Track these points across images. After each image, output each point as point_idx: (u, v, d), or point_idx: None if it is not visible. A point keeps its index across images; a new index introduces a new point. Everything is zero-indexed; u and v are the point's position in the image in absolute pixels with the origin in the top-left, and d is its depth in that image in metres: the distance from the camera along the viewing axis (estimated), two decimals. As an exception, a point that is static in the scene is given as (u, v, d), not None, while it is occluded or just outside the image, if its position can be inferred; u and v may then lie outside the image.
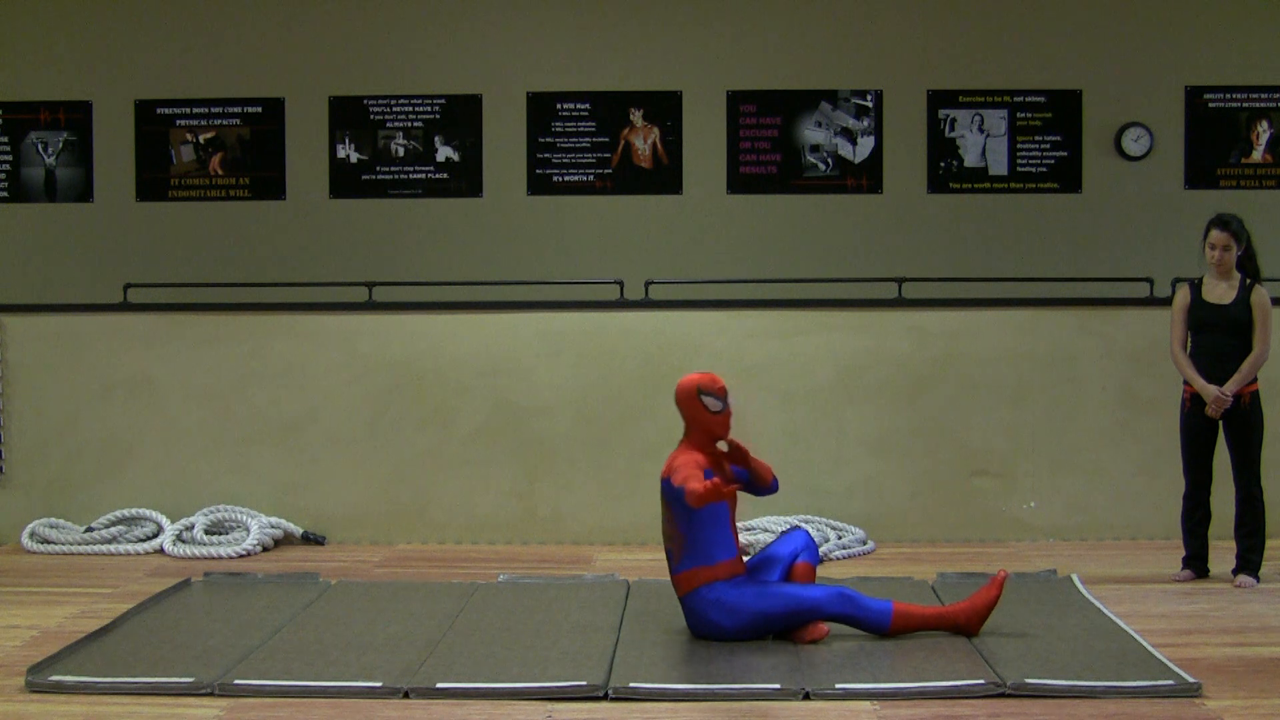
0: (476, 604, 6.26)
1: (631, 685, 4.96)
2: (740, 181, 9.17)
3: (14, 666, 5.30)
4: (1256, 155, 9.10)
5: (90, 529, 7.90)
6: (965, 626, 5.56)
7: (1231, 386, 6.66)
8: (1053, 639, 5.57)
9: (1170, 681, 4.97)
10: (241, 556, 7.57)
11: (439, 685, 4.99)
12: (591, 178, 9.19)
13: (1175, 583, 6.82)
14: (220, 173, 9.24)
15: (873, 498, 7.98)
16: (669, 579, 6.78)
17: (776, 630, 5.56)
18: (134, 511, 7.95)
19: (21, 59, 9.23)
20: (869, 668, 5.19)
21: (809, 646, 5.47)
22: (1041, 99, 9.12)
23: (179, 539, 7.76)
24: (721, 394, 5.71)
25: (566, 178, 9.20)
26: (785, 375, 8.03)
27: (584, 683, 4.97)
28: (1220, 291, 6.78)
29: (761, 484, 5.82)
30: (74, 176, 9.26)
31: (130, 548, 7.72)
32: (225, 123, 9.24)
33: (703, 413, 5.70)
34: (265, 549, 7.77)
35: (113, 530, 7.85)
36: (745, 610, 5.49)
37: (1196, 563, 6.88)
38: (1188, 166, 9.10)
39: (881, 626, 5.51)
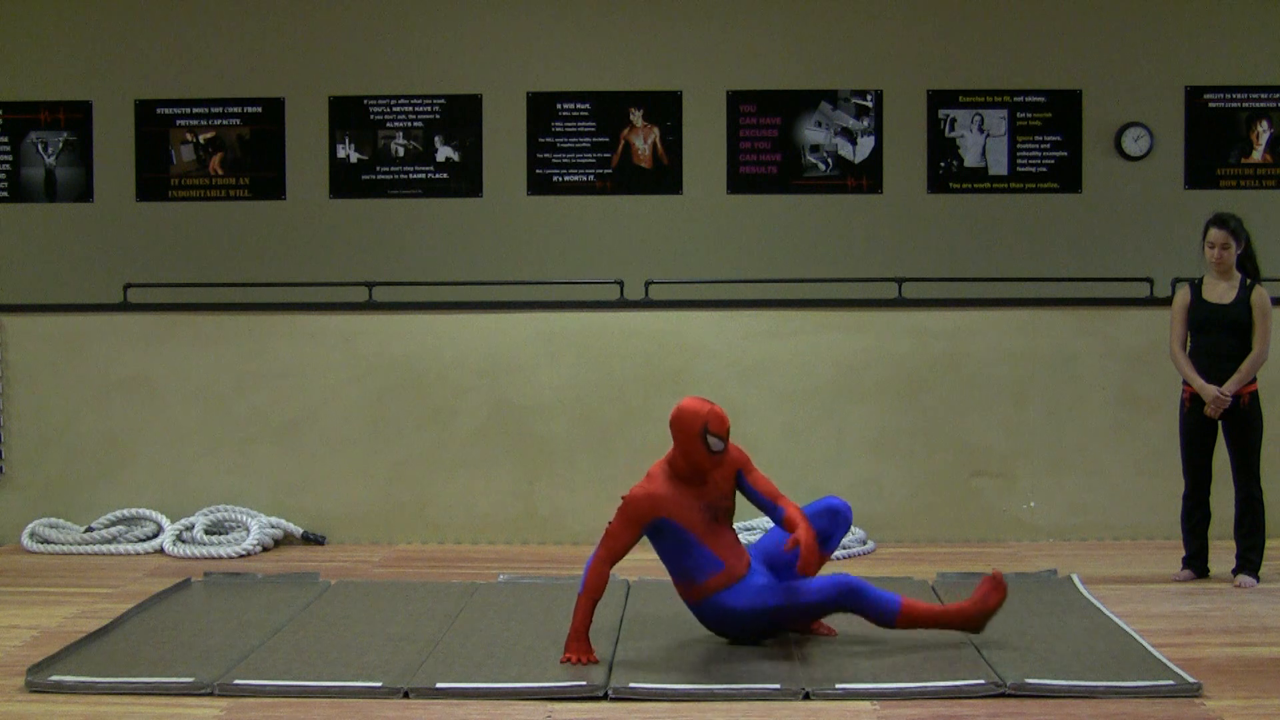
0: (476, 604, 6.27)
1: (631, 685, 4.96)
2: (740, 181, 9.17)
3: (14, 666, 5.31)
4: (1256, 155, 9.09)
5: (90, 529, 7.90)
6: (969, 626, 5.52)
7: (1231, 386, 6.66)
8: (1053, 639, 5.57)
9: (1170, 681, 4.97)
10: (241, 556, 7.57)
11: (439, 685, 4.99)
12: (591, 178, 9.19)
13: (1175, 583, 6.82)
14: (220, 173, 9.24)
15: (873, 498, 7.98)
16: (669, 579, 6.79)
17: (783, 629, 5.54)
18: (134, 511, 7.95)
19: (21, 59, 9.23)
20: (869, 668, 5.19)
21: (809, 646, 5.48)
22: (1041, 99, 9.12)
23: (179, 539, 7.76)
24: (725, 435, 5.47)
25: (566, 178, 9.19)
26: (785, 375, 8.03)
27: (584, 683, 4.98)
28: (1220, 291, 6.78)
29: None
30: (74, 176, 9.26)
31: (130, 548, 7.72)
32: (225, 123, 9.24)
33: (699, 451, 5.41)
34: (265, 549, 7.77)
35: (113, 530, 7.85)
36: (750, 616, 5.45)
37: (1196, 563, 6.88)
38: (1188, 166, 9.10)
39: (887, 619, 5.43)
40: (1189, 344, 6.86)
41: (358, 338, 8.11)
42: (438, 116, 9.20)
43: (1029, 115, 9.12)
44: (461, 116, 9.20)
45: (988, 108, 9.13)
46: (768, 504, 5.57)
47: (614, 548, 5.32)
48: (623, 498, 5.41)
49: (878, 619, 5.43)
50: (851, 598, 5.39)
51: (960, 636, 5.57)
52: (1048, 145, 9.12)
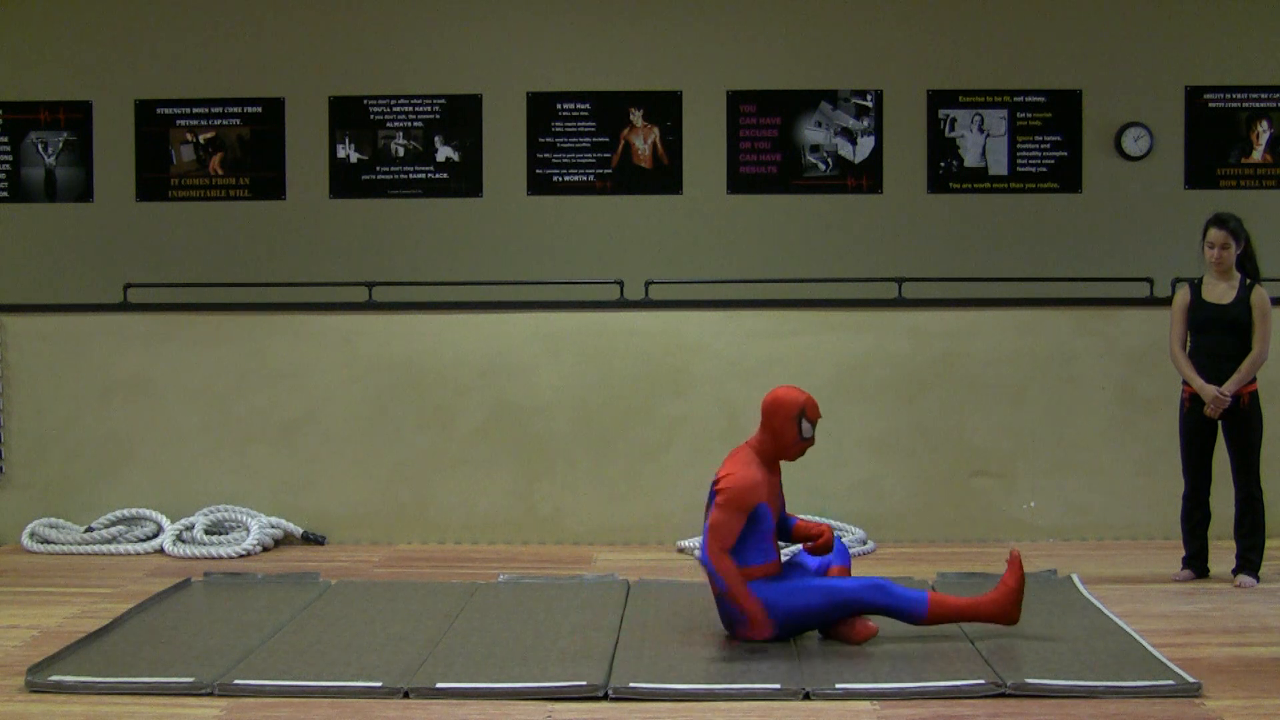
0: (476, 604, 6.27)
1: (631, 685, 4.96)
2: (740, 181, 9.17)
3: (14, 666, 5.31)
4: (1256, 155, 9.09)
5: (90, 529, 7.90)
6: (1002, 615, 5.53)
7: (1230, 386, 6.66)
8: (1053, 639, 5.57)
9: (1170, 681, 4.97)
10: (241, 556, 7.57)
11: (439, 685, 4.99)
12: (591, 178, 9.19)
13: (1175, 583, 6.82)
14: (220, 173, 9.24)
15: (873, 498, 7.98)
16: (669, 579, 6.79)
17: (815, 625, 5.55)
18: (134, 511, 7.95)
19: (21, 59, 9.23)
20: (869, 668, 5.19)
21: (808, 647, 5.48)
22: (1041, 99, 9.12)
23: (179, 539, 7.76)
24: (816, 422, 5.65)
25: (566, 178, 9.19)
26: (785, 375, 8.00)
27: (584, 683, 4.98)
28: (1220, 291, 6.78)
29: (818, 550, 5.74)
30: (74, 176, 9.26)
31: (130, 548, 7.72)
32: (225, 123, 9.24)
33: (791, 433, 5.60)
34: (265, 549, 7.77)
35: (113, 530, 7.85)
36: (781, 606, 5.48)
37: (1196, 563, 6.89)
38: (1188, 166, 9.10)
39: (917, 616, 5.48)
40: (1189, 344, 6.86)
41: (358, 338, 8.11)
42: (438, 116, 9.20)
43: (1029, 115, 9.12)
44: (461, 116, 9.20)
45: (988, 108, 9.13)
46: (782, 513, 5.80)
47: (725, 537, 5.43)
48: (719, 488, 5.48)
49: (908, 617, 5.49)
50: (880, 595, 5.46)
51: (958, 633, 5.57)
52: (1048, 145, 9.12)
